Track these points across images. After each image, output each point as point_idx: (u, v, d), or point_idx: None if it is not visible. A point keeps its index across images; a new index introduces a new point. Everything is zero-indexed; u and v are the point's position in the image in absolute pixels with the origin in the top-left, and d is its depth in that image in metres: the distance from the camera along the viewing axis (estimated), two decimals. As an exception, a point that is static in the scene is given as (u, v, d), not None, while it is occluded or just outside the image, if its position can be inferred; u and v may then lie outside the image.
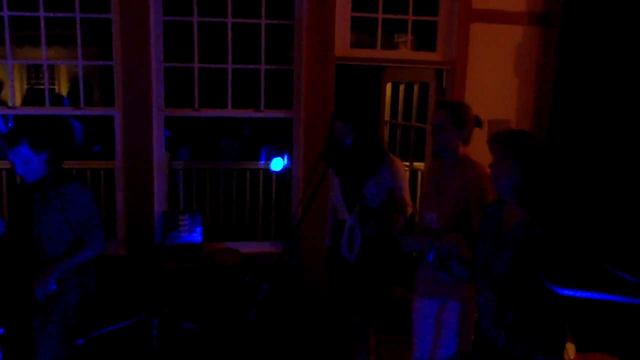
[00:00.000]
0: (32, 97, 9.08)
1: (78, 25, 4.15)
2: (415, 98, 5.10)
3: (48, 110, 4.38)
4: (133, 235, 4.37)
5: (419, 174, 5.27)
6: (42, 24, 4.12)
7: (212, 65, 4.40)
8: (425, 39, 4.62)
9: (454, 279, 2.63)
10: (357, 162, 3.41)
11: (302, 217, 2.92)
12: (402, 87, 5.28)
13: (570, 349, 3.27)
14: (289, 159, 4.86)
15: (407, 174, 4.55)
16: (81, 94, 4.34)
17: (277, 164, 5.18)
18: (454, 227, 2.97)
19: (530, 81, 4.63)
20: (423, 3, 4.56)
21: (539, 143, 2.40)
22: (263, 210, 5.71)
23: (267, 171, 5.75)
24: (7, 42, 4.24)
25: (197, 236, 4.45)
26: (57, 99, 7.09)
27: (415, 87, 5.07)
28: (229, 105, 4.41)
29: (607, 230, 3.24)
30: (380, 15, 4.47)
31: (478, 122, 3.08)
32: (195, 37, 4.28)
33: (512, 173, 2.38)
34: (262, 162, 6.19)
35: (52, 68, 9.67)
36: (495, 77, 4.58)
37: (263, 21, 4.36)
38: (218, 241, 4.60)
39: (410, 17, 4.51)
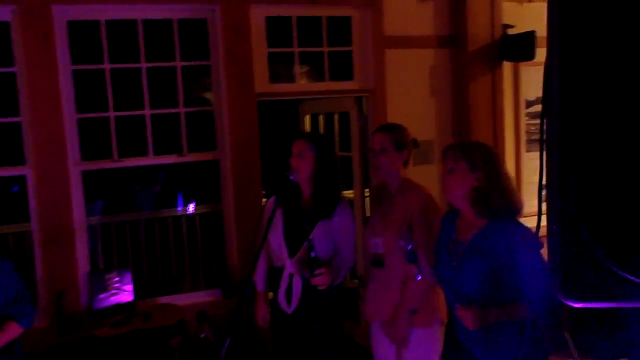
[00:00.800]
0: None
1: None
2: (336, 128, 5.10)
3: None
4: (57, 302, 4.03)
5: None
6: None
7: (129, 113, 4.19)
8: (343, 68, 4.65)
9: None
10: (310, 199, 3.11)
11: (254, 261, 2.80)
12: (321, 118, 5.27)
13: None
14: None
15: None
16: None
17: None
18: (401, 249, 2.91)
19: (447, 101, 4.77)
20: (337, 34, 4.60)
21: (490, 152, 2.45)
22: (194, 257, 5.48)
23: (191, 217, 5.54)
24: None
25: (128, 295, 4.17)
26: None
27: (336, 117, 5.08)
28: (150, 153, 4.21)
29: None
30: (296, 49, 4.46)
31: (416, 144, 3.09)
32: (109, 84, 4.06)
33: (465, 182, 2.40)
34: (180, 208, 5.98)
35: None
36: (414, 100, 4.68)
37: (178, 63, 4.22)
38: (151, 297, 4.34)
39: (326, 49, 4.53)
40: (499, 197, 2.38)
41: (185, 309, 4.08)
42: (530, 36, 4.44)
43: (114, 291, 4.14)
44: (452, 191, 2.47)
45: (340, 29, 4.65)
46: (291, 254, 3.07)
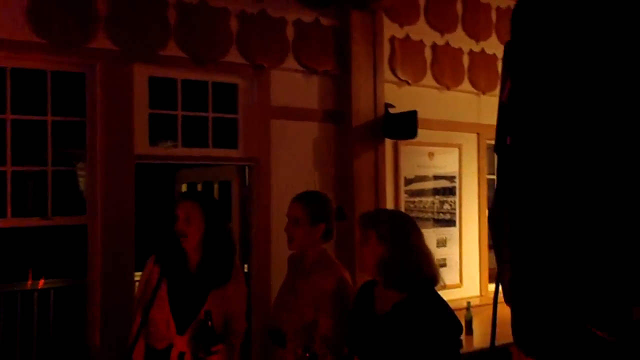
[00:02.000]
0: None
1: None
2: (216, 197, 4.91)
3: None
4: None
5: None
6: None
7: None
8: (227, 136, 4.52)
9: None
10: (198, 266, 2.75)
11: (134, 341, 2.48)
12: (199, 187, 5.07)
13: None
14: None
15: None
16: None
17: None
18: (307, 330, 2.68)
19: (330, 174, 4.77)
20: (223, 100, 4.50)
21: (401, 221, 2.38)
22: (47, 336, 4.86)
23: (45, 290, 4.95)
24: None
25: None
26: None
27: (215, 186, 4.90)
28: (9, 215, 3.75)
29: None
30: (179, 112, 4.29)
31: (341, 215, 2.95)
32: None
33: (374, 253, 2.31)
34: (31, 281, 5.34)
35: None
36: (298, 172, 4.62)
37: (49, 118, 3.88)
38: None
39: (210, 115, 4.40)
40: (409, 269, 2.29)
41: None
42: (412, 115, 4.61)
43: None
44: (363, 261, 2.38)
45: (226, 95, 4.57)
46: (179, 331, 2.69)
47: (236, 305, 2.79)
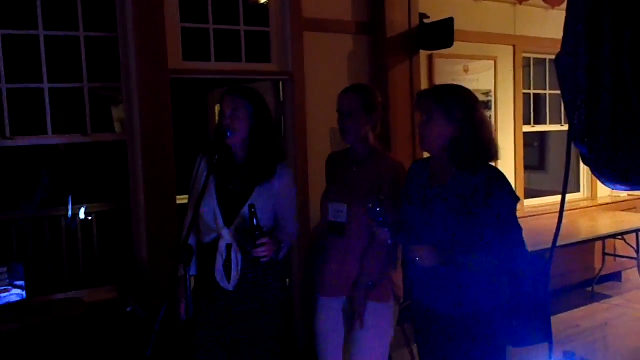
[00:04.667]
0: None
1: None
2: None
3: None
4: None
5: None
6: None
7: (25, 85, 3.74)
8: (260, 50, 4.44)
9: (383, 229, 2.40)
10: (245, 162, 2.70)
11: (190, 226, 2.50)
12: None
13: None
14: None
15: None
16: None
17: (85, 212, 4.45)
18: (363, 220, 2.66)
19: (365, 88, 4.68)
20: (254, 14, 4.40)
21: (467, 97, 2.33)
22: (92, 255, 4.96)
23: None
24: None
25: (20, 292, 3.66)
26: None
27: (249, 105, 4.84)
28: (49, 132, 3.77)
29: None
30: (211, 26, 4.20)
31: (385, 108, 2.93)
32: (1, 52, 3.60)
33: (443, 132, 2.28)
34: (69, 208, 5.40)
35: None
36: (333, 86, 4.48)
37: (82, 33, 3.84)
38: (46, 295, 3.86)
39: (242, 28, 4.31)
40: (479, 146, 2.28)
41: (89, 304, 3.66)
42: (448, 23, 4.47)
43: (2, 288, 3.63)
44: (429, 141, 2.34)
45: (257, 9, 4.46)
46: (227, 223, 2.66)
47: (283, 202, 2.73)
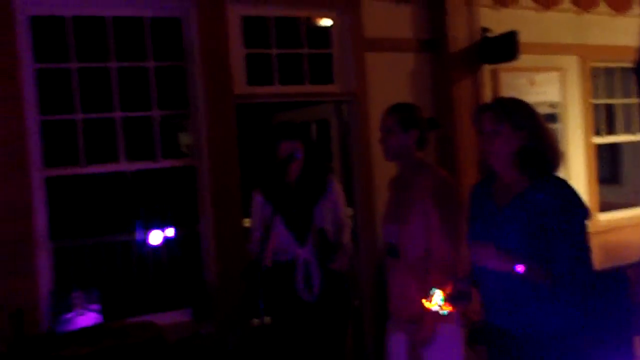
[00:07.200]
0: None
1: None
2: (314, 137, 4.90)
3: None
4: (14, 324, 3.58)
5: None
6: None
7: (99, 115, 3.88)
8: (322, 72, 4.47)
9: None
10: (302, 185, 3.21)
11: (260, 252, 2.59)
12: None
13: None
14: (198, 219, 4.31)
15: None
16: None
17: (156, 237, 4.57)
18: (415, 238, 2.73)
19: (429, 106, 4.64)
20: (316, 37, 4.45)
21: (530, 108, 2.32)
22: (164, 279, 5.06)
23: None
24: None
25: (96, 315, 3.77)
26: None
27: (313, 127, 4.88)
28: (121, 158, 3.88)
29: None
30: (274, 51, 4.27)
31: (434, 124, 2.93)
32: (76, 84, 3.75)
33: (511, 143, 2.24)
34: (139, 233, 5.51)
35: None
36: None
37: (151, 64, 3.96)
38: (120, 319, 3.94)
39: (306, 51, 4.36)
40: (548, 151, 2.27)
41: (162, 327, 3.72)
42: (511, 36, 4.40)
43: (80, 311, 3.74)
44: (496, 155, 2.31)
45: (318, 32, 4.50)
46: (301, 243, 3.17)
47: (338, 211, 3.25)
